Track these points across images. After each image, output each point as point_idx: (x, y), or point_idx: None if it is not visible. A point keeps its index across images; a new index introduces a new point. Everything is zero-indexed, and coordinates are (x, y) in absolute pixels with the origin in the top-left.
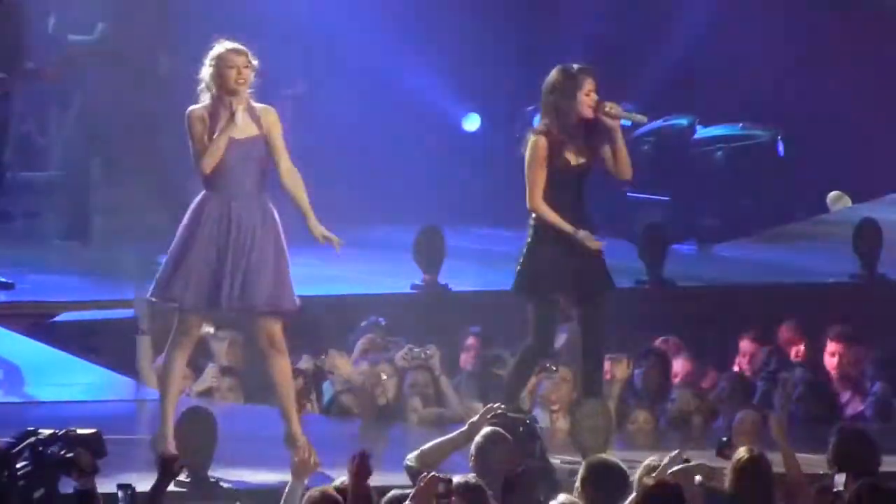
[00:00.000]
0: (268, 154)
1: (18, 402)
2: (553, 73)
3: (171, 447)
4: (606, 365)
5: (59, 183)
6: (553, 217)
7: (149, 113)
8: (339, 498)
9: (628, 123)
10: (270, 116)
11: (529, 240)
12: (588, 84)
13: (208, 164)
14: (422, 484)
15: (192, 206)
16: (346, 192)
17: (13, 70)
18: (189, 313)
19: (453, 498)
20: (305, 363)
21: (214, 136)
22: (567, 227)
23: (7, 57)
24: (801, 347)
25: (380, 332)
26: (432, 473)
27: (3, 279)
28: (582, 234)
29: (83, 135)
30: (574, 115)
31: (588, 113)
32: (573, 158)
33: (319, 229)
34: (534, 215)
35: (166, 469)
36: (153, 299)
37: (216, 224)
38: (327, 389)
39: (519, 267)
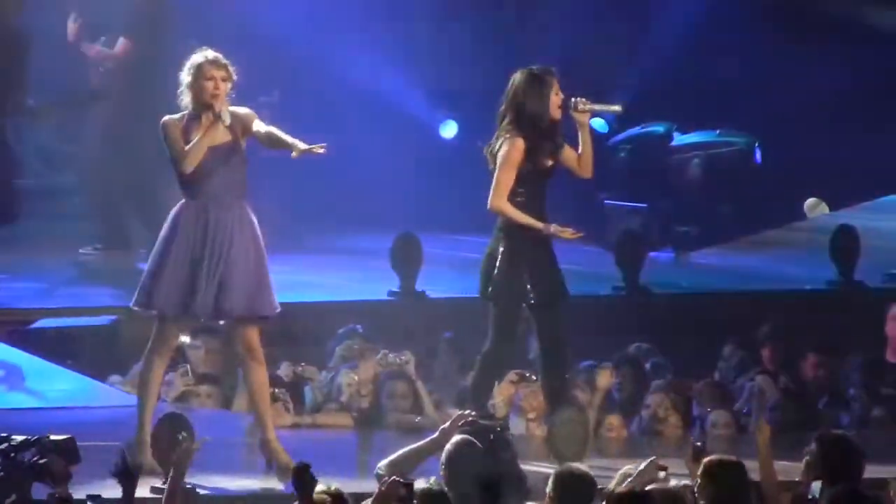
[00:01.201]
0: (244, 159)
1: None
2: (519, 77)
3: (149, 454)
4: (580, 378)
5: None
6: (519, 215)
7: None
8: None
9: (605, 130)
10: (243, 116)
11: (503, 247)
12: (556, 85)
13: (189, 164)
14: (382, 488)
15: (171, 214)
16: (323, 200)
17: (10, 107)
18: (168, 321)
19: (415, 502)
20: (285, 370)
21: (196, 139)
22: (536, 222)
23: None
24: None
25: (358, 339)
26: (393, 477)
27: None
28: (553, 227)
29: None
30: (547, 116)
31: (556, 113)
32: (544, 161)
33: (301, 146)
34: (501, 221)
35: (124, 475)
36: (135, 308)
37: (192, 231)
38: (307, 393)
39: (487, 272)
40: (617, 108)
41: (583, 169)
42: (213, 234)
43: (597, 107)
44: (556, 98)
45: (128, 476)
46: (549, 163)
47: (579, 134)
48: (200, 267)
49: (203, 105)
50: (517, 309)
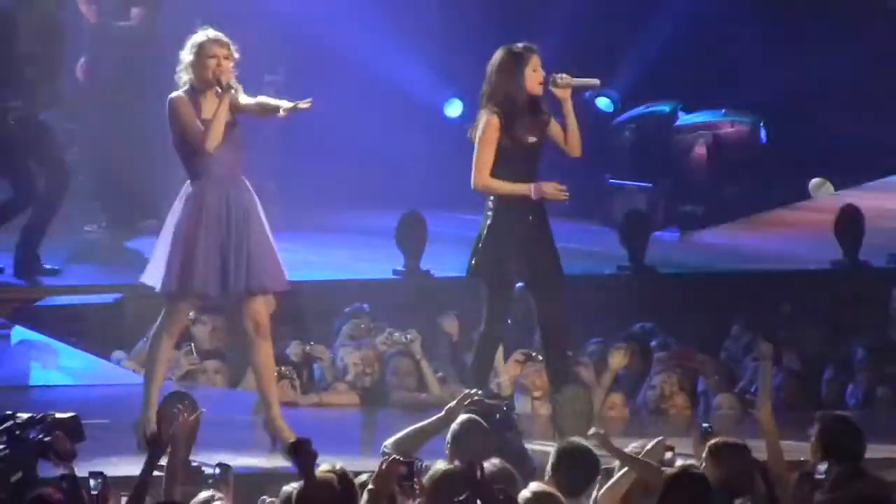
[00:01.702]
0: (241, 137)
1: (0, 388)
2: (498, 54)
3: (154, 430)
4: (585, 356)
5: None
6: (503, 186)
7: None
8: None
9: (610, 110)
10: (239, 95)
11: (488, 223)
12: (534, 61)
13: (213, 143)
14: (383, 466)
15: (186, 195)
16: (328, 179)
17: (48, 98)
18: (179, 299)
19: (416, 480)
20: (294, 349)
21: (214, 115)
22: (521, 187)
23: (48, 77)
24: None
25: (364, 317)
26: (393, 456)
27: (49, 266)
28: (545, 186)
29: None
30: (523, 93)
31: (537, 90)
32: (525, 137)
33: (286, 104)
34: (491, 199)
35: (154, 447)
36: (174, 292)
37: (216, 210)
38: (317, 372)
39: (474, 250)
40: (595, 81)
41: (570, 147)
42: (235, 213)
43: (574, 81)
44: (533, 74)
45: (156, 446)
46: (531, 139)
47: (562, 110)
48: (229, 247)
49: (206, 83)
50: (504, 287)
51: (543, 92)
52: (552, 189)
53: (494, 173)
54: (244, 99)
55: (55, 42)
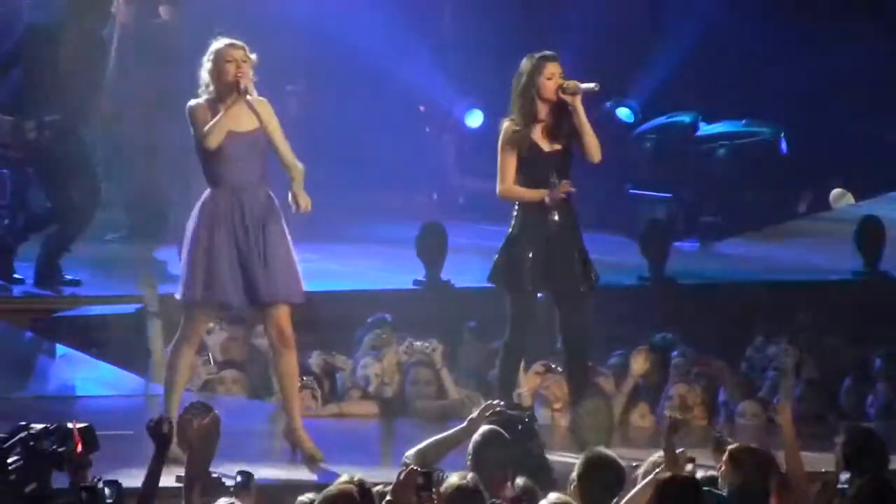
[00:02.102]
0: (268, 145)
1: (21, 398)
2: (522, 62)
3: (174, 442)
4: (606, 367)
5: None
6: (523, 192)
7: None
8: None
9: (630, 120)
10: (265, 108)
11: (509, 230)
12: (549, 68)
13: (212, 141)
14: (401, 477)
15: (202, 204)
16: (349, 189)
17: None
18: (200, 308)
19: (434, 490)
20: (316, 359)
21: (222, 113)
22: (534, 193)
23: (90, 92)
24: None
25: (386, 328)
26: (411, 466)
27: (70, 277)
28: (554, 190)
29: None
30: (537, 99)
31: (551, 96)
32: (545, 145)
33: (295, 186)
34: (515, 207)
35: (157, 434)
36: (195, 301)
37: (229, 218)
38: (339, 381)
39: (496, 257)
40: (591, 85)
41: (587, 153)
42: (250, 220)
43: (576, 87)
44: (549, 82)
45: (161, 436)
46: (552, 147)
47: (574, 117)
48: (250, 256)
49: (226, 87)
50: (522, 294)
51: (557, 98)
52: (562, 188)
53: (517, 181)
54: (275, 135)
55: (98, 58)
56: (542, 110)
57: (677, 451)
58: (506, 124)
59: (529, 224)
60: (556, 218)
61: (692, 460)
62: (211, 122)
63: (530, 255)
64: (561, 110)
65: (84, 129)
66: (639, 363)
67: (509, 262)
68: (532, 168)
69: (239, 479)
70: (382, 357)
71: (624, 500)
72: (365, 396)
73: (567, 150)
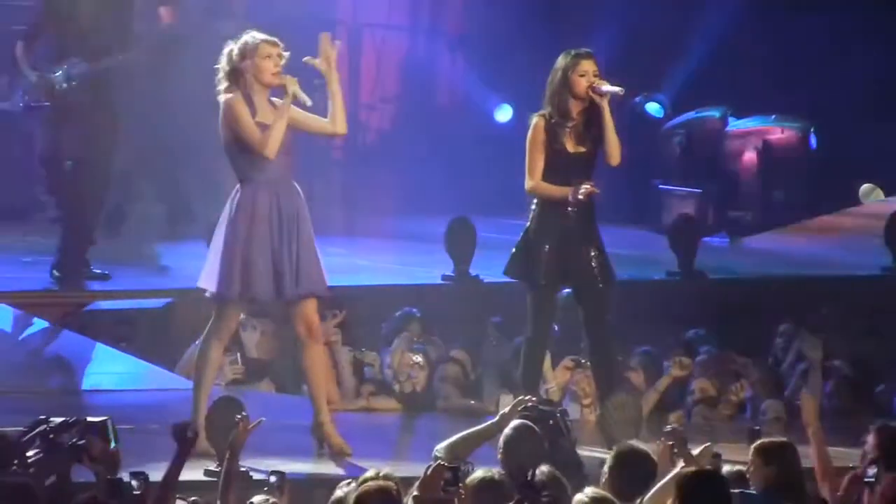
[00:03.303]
0: (293, 140)
1: (50, 391)
2: (558, 58)
3: (203, 437)
4: (635, 362)
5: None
6: (548, 189)
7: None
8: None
9: (660, 115)
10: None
11: (527, 224)
12: (582, 66)
13: (273, 149)
14: (428, 473)
15: (237, 198)
16: (379, 184)
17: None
18: (231, 304)
19: (461, 486)
20: (345, 355)
21: (275, 121)
22: (559, 191)
23: (117, 46)
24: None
25: (415, 322)
26: (438, 461)
27: (98, 271)
28: (577, 190)
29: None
30: (568, 97)
31: (583, 93)
32: (571, 145)
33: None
34: (534, 202)
35: (180, 439)
36: (234, 297)
37: (267, 214)
38: (367, 375)
39: (514, 251)
40: (617, 89)
41: (607, 155)
42: (287, 217)
43: (603, 87)
44: (581, 79)
45: (185, 441)
46: (575, 149)
47: (600, 118)
48: (282, 251)
49: (263, 84)
50: (538, 289)
51: (587, 96)
52: (584, 190)
53: (544, 177)
54: (299, 113)
55: (121, 10)
56: (575, 108)
57: (703, 446)
58: (535, 120)
59: (547, 219)
60: (573, 214)
61: (718, 456)
62: (270, 130)
63: (546, 249)
64: (593, 112)
65: (113, 84)
66: (676, 370)
67: (525, 257)
68: (553, 167)
69: (273, 479)
70: (411, 353)
71: (647, 496)
72: (391, 392)
73: (592, 153)
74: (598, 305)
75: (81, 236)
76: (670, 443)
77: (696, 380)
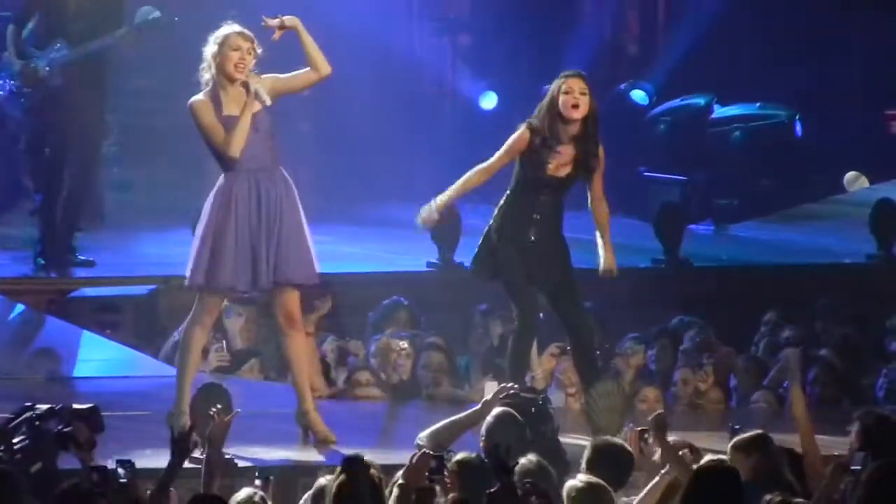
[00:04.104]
0: (273, 124)
1: (34, 378)
2: None
3: (187, 423)
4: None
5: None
6: (457, 185)
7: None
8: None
9: (645, 103)
10: (269, 82)
11: (493, 221)
12: (568, 83)
13: (236, 151)
14: (413, 461)
15: (217, 188)
16: (363, 170)
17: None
18: (213, 292)
19: (446, 474)
20: (329, 345)
21: (240, 119)
22: (444, 195)
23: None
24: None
25: (403, 311)
26: (423, 450)
27: (83, 258)
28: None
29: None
30: (556, 118)
31: (568, 113)
32: (552, 166)
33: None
34: (506, 196)
35: (181, 447)
36: (200, 285)
37: (245, 202)
38: (351, 365)
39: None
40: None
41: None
42: (266, 205)
43: None
44: (565, 97)
45: (183, 451)
46: (560, 174)
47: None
48: (260, 240)
49: (226, 76)
50: (500, 279)
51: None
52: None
53: (519, 177)
54: (281, 83)
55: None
56: (565, 133)
57: (671, 441)
58: (522, 129)
59: (503, 217)
60: (538, 216)
61: (689, 446)
62: (233, 130)
63: (499, 244)
64: (583, 142)
65: (101, 68)
66: (636, 359)
67: (483, 253)
68: (530, 185)
69: (258, 482)
70: (394, 341)
71: (637, 499)
72: (367, 375)
73: (572, 179)
74: (570, 300)
75: (66, 223)
76: (639, 429)
77: (681, 370)
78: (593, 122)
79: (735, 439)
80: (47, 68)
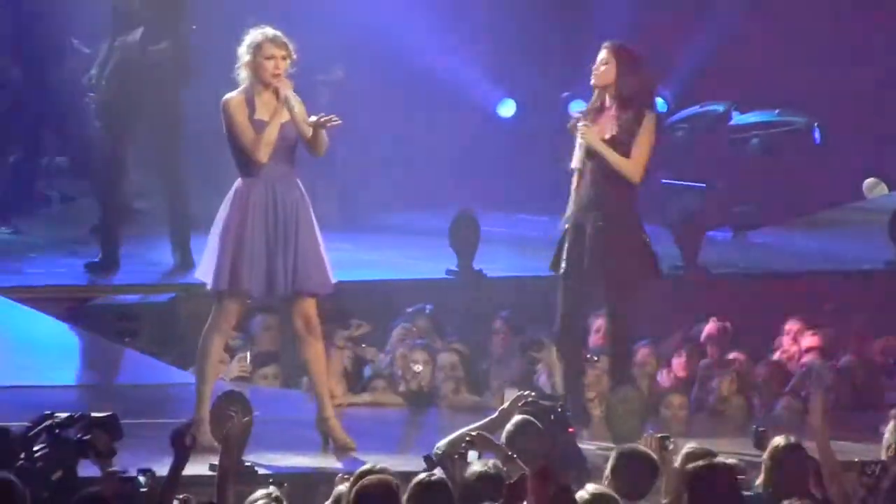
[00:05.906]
0: (296, 136)
1: (53, 386)
2: None
3: (208, 431)
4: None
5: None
6: None
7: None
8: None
9: (663, 109)
10: (301, 109)
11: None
12: (601, 52)
13: (265, 153)
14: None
15: (234, 192)
16: (382, 178)
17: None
18: (230, 298)
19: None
20: (340, 339)
21: (268, 124)
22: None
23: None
24: (812, 338)
25: (425, 319)
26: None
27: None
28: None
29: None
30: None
31: (594, 79)
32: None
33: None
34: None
35: (178, 445)
36: (224, 288)
37: (263, 209)
38: (367, 372)
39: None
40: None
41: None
42: (283, 213)
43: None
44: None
45: (182, 447)
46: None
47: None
48: (277, 247)
49: (262, 83)
50: (563, 280)
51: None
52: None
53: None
54: (301, 114)
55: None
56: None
57: (655, 436)
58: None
59: (573, 213)
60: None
61: (666, 438)
62: (263, 134)
63: (567, 243)
64: (601, 98)
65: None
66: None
67: (557, 250)
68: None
69: (272, 489)
70: (413, 349)
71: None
72: (383, 383)
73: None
74: (625, 302)
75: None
76: (659, 436)
77: (718, 378)
78: None
79: (772, 447)
80: (96, 80)
